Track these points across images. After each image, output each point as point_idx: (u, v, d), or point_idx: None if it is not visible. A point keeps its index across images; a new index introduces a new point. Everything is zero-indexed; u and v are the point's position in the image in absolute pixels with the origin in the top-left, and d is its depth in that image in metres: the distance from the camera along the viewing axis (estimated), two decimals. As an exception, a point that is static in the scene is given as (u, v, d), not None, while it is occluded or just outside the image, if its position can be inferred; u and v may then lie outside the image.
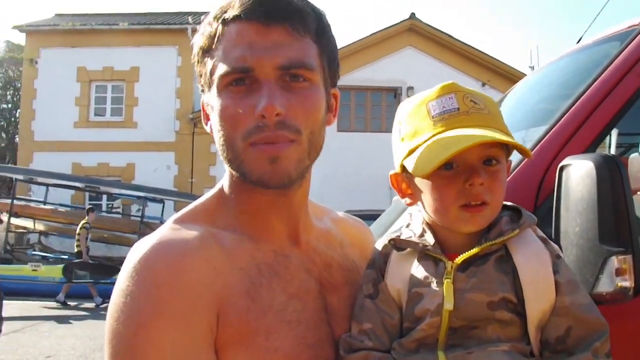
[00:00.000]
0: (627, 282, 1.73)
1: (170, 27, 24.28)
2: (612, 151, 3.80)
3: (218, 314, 1.15)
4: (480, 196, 1.24)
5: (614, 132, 3.68)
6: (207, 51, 1.24)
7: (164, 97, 23.70)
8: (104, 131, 23.65)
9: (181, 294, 1.12)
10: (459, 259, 1.25)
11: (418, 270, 1.29)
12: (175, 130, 23.80)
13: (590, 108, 2.20)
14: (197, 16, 24.19)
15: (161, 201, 20.59)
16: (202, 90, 1.29)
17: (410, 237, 1.33)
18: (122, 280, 1.15)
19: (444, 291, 1.22)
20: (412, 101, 1.35)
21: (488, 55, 23.74)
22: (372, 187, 20.57)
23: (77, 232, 16.22)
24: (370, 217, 4.87)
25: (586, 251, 1.74)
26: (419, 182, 1.29)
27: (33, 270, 16.50)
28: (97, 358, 8.67)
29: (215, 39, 1.21)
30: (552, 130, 2.23)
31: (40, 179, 20.15)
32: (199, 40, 1.26)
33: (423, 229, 1.33)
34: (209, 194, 1.35)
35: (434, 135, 1.25)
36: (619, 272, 1.73)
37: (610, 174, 1.73)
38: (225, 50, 1.20)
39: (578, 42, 3.17)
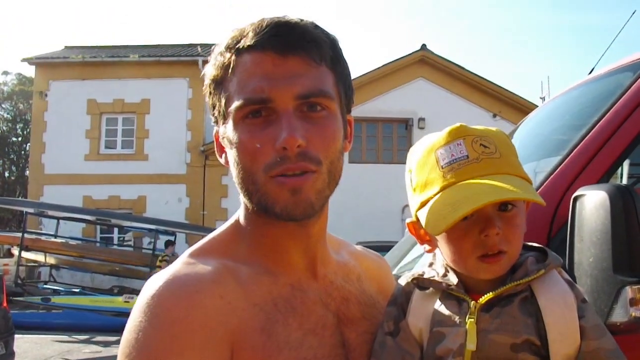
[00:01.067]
0: (641, 313, 1.72)
1: (181, 59, 24.48)
2: (624, 181, 3.79)
3: (232, 351, 1.13)
4: (497, 246, 1.22)
5: (626, 163, 3.67)
6: (220, 82, 1.22)
7: (175, 129, 23.82)
8: (114, 164, 23.76)
9: (194, 331, 1.10)
10: (483, 299, 1.23)
11: (441, 309, 1.27)
12: (186, 163, 23.89)
13: (604, 138, 2.21)
14: (208, 48, 24.34)
15: (173, 234, 20.60)
16: (216, 122, 1.27)
17: (434, 276, 1.31)
18: (135, 316, 1.13)
19: (467, 331, 1.20)
20: (421, 147, 1.32)
21: (499, 86, 23.78)
22: (385, 218, 20.56)
23: (157, 264, 16.24)
24: (382, 248, 4.86)
25: (600, 281, 1.73)
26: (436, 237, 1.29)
27: (125, 302, 16.26)
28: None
29: (230, 70, 1.20)
30: (565, 161, 2.23)
31: (50, 212, 20.16)
32: (210, 71, 1.24)
33: (446, 269, 1.31)
34: (224, 226, 1.34)
35: (443, 188, 1.23)
36: (633, 302, 1.72)
37: (624, 204, 1.72)
38: (240, 82, 1.18)
39: (590, 72, 3.18)
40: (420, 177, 1.28)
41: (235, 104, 1.18)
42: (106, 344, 13.07)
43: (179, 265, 1.21)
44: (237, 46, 1.19)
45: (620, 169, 3.52)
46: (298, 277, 1.28)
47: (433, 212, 1.21)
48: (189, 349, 1.09)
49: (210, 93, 1.25)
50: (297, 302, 1.24)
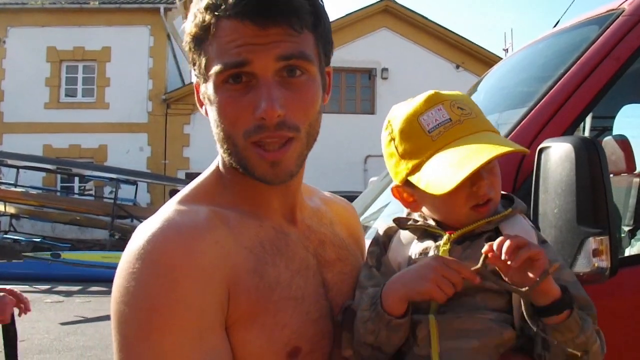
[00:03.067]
0: (603, 263, 1.77)
1: (143, 6, 23.90)
2: (587, 134, 3.85)
3: (229, 293, 1.17)
4: (487, 195, 1.33)
5: (589, 116, 3.73)
6: (199, 41, 1.22)
7: (136, 78, 23.42)
8: (75, 112, 23.32)
9: (194, 276, 1.13)
10: (456, 233, 1.33)
11: (418, 245, 1.38)
12: (147, 111, 23.55)
13: (569, 91, 2.23)
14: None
15: (134, 183, 20.45)
16: (197, 77, 1.28)
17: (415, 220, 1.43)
18: (130, 262, 1.14)
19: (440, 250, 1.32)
20: (399, 116, 1.39)
21: (462, 38, 23.77)
22: (347, 168, 20.64)
23: None
24: (347, 199, 4.89)
25: (564, 232, 1.77)
26: (424, 194, 1.34)
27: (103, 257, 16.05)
28: (71, 342, 8.64)
29: (209, 32, 1.19)
30: (530, 113, 2.25)
31: (10, 161, 19.84)
32: (190, 28, 1.23)
33: (424, 218, 1.43)
34: (205, 174, 1.36)
35: (437, 151, 1.31)
36: (596, 253, 1.76)
37: (589, 156, 1.75)
38: (219, 46, 1.18)
39: (556, 25, 3.20)
40: (407, 144, 1.35)
41: (215, 68, 1.18)
42: (68, 294, 13.06)
43: (171, 212, 1.23)
44: (216, 11, 1.18)
45: (584, 122, 3.57)
46: (279, 221, 1.33)
47: (436, 173, 1.28)
48: (189, 294, 1.12)
49: (190, 49, 1.25)
50: (282, 244, 1.29)
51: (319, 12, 1.25)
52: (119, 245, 17.69)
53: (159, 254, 1.13)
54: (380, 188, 3.37)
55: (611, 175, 2.76)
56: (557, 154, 1.81)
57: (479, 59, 22.96)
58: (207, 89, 1.23)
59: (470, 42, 23.77)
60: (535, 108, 2.25)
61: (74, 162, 21.55)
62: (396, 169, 1.39)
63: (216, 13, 1.18)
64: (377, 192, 3.33)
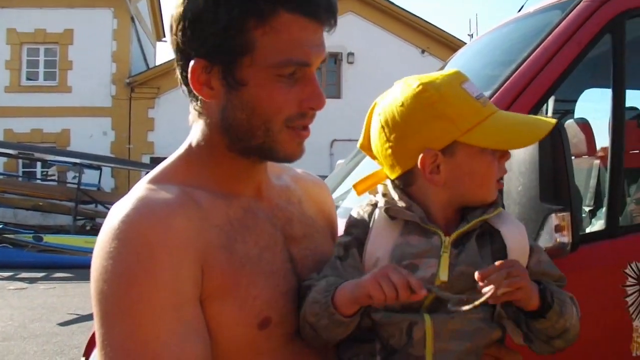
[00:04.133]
0: (565, 238, 1.84)
1: (106, -11, 23.64)
2: (549, 116, 3.93)
3: (202, 268, 1.21)
4: (505, 171, 1.43)
5: (552, 99, 3.81)
6: (245, 21, 1.19)
7: (99, 61, 23.10)
8: (37, 96, 22.95)
9: (169, 252, 1.17)
10: (455, 235, 1.34)
11: (409, 241, 1.35)
12: (111, 95, 23.29)
13: (532, 74, 2.29)
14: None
15: (98, 168, 20.20)
16: (202, 54, 1.24)
17: (402, 207, 1.38)
18: (106, 242, 1.17)
19: (440, 264, 1.30)
20: (437, 82, 1.37)
21: (428, 23, 23.88)
22: (314, 152, 20.39)
23: None
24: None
25: (528, 209, 1.84)
26: (464, 161, 1.35)
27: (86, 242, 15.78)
28: (36, 328, 8.56)
29: (266, 20, 1.19)
30: (495, 95, 2.31)
31: (-30, 146, 19.49)
32: (240, 4, 1.20)
33: (409, 202, 1.38)
34: (174, 155, 1.38)
35: (489, 115, 1.35)
36: (558, 229, 1.83)
37: (552, 136, 1.80)
38: (280, 39, 1.20)
39: (520, 10, 3.26)
40: (457, 107, 1.33)
41: (276, 61, 1.21)
42: (31, 280, 12.90)
43: (143, 191, 1.26)
44: (278, 3, 1.20)
45: (546, 105, 3.65)
46: (247, 200, 1.37)
47: (504, 131, 1.34)
48: (166, 269, 1.16)
49: (208, 21, 1.21)
50: (250, 222, 1.33)
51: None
52: (83, 231, 17.55)
53: (134, 231, 1.17)
54: (347, 171, 3.41)
55: (573, 158, 2.84)
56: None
57: (444, 44, 23.09)
58: (246, 74, 1.22)
59: (436, 27, 23.90)
60: (499, 91, 2.31)
61: (36, 146, 21.17)
62: (439, 132, 1.33)
63: (278, 3, 1.19)
64: (344, 174, 3.37)
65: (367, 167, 3.35)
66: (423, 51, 23.37)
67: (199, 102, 1.31)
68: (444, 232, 1.34)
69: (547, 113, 3.90)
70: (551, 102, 3.87)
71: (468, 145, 1.33)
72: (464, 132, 1.32)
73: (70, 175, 21.33)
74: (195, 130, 1.36)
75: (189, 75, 1.26)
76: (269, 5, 1.19)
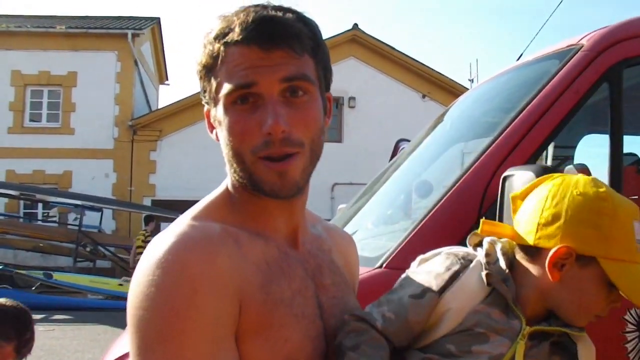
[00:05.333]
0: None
1: (110, 32, 23.88)
2: (549, 163, 3.96)
3: (240, 305, 1.23)
4: (604, 314, 1.39)
5: (551, 145, 3.84)
6: (210, 69, 1.31)
7: (102, 104, 23.26)
8: (39, 137, 23.06)
9: (213, 286, 1.19)
10: (535, 327, 1.34)
11: (490, 311, 1.35)
12: (114, 138, 23.39)
13: (532, 122, 2.33)
14: (137, 21, 23.61)
15: (99, 210, 20.24)
16: (207, 103, 1.37)
17: (497, 279, 1.37)
18: (149, 270, 1.19)
19: (515, 349, 1.31)
20: (622, 204, 1.35)
21: (428, 68, 24.08)
22: (314, 195, 20.26)
23: (141, 244, 15.42)
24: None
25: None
26: (586, 278, 1.33)
27: (119, 285, 15.80)
28: None
29: (219, 60, 1.29)
30: (495, 142, 2.34)
31: (-28, 187, 19.52)
32: (201, 58, 1.33)
33: (507, 275, 1.38)
34: (214, 194, 1.42)
35: (635, 263, 1.32)
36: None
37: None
38: (228, 70, 1.27)
39: (519, 58, 3.31)
40: (619, 232, 1.31)
41: (224, 90, 1.27)
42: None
43: (185, 227, 1.29)
44: (224, 39, 1.28)
45: (546, 151, 3.68)
46: (282, 243, 1.39)
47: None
48: (208, 303, 1.18)
49: (201, 78, 1.34)
50: (284, 264, 1.35)
51: (318, 39, 1.35)
52: (83, 273, 17.49)
53: (180, 264, 1.19)
54: (349, 215, 3.43)
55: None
56: (520, 182, 1.89)
57: (445, 89, 23.27)
58: (217, 112, 1.32)
59: (436, 72, 24.09)
60: (500, 138, 2.35)
61: (38, 188, 21.23)
62: (591, 241, 1.32)
63: (224, 41, 1.27)
64: (345, 219, 3.38)
65: (369, 212, 3.38)
66: (424, 96, 23.53)
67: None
68: (526, 320, 1.34)
69: (547, 159, 3.94)
70: (551, 147, 3.91)
71: (602, 269, 1.30)
72: (608, 258, 1.30)
73: (71, 216, 21.34)
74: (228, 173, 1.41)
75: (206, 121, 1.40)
76: (220, 44, 1.28)
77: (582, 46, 2.50)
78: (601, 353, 2.18)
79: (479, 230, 1.46)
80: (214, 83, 1.31)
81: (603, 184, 1.37)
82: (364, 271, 2.21)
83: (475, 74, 22.97)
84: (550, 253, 1.32)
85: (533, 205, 1.39)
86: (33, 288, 15.79)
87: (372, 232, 3.13)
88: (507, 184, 1.96)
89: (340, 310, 1.44)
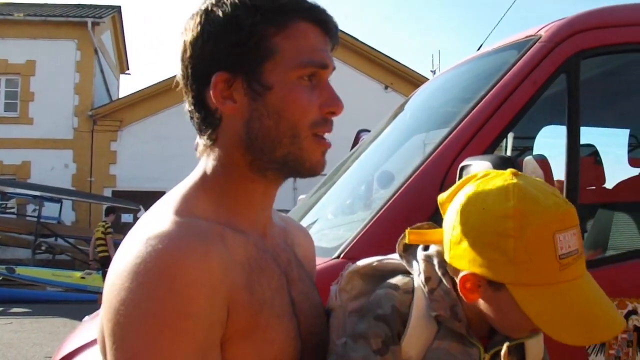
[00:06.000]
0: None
1: (69, 20, 23.49)
2: (508, 154, 3.99)
3: (228, 309, 1.17)
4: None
5: (510, 136, 3.87)
6: (262, 32, 1.25)
7: (61, 93, 22.93)
8: (-3, 127, 22.69)
9: (206, 292, 1.12)
10: (492, 352, 1.28)
11: (447, 347, 1.27)
12: (73, 128, 23.07)
13: (490, 112, 2.33)
14: (98, 10, 23.28)
15: (59, 201, 19.96)
16: (223, 66, 1.25)
17: (448, 316, 1.27)
18: (135, 276, 1.10)
19: None
20: (537, 220, 1.16)
21: (391, 59, 24.17)
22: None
23: (100, 236, 15.06)
24: (275, 216, 4.92)
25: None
26: (504, 302, 1.19)
27: (82, 278, 15.60)
28: None
29: (284, 25, 1.27)
30: (453, 133, 2.34)
31: None
32: (263, 4, 1.26)
33: (453, 306, 1.27)
34: (189, 184, 1.33)
35: (557, 283, 1.16)
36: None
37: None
38: (298, 44, 1.27)
39: (479, 49, 3.32)
40: (531, 257, 1.15)
41: (298, 62, 1.26)
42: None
43: (170, 224, 1.19)
44: (295, 12, 1.28)
45: (504, 142, 3.71)
46: (257, 237, 1.33)
47: (558, 316, 1.15)
48: (201, 312, 1.10)
49: (228, 34, 1.24)
50: (263, 262, 1.29)
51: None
52: (42, 265, 17.25)
53: (171, 270, 1.10)
54: (309, 205, 3.42)
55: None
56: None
57: (408, 80, 23.37)
58: (271, 79, 1.25)
59: (399, 63, 24.21)
60: (458, 128, 2.35)
61: (-6, 178, 20.88)
62: (492, 266, 1.17)
63: (295, 13, 1.28)
64: (305, 209, 3.37)
65: (329, 202, 3.37)
66: (386, 87, 23.62)
67: (215, 129, 1.29)
68: (482, 346, 1.27)
69: (506, 150, 3.96)
70: (510, 138, 3.93)
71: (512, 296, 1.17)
72: (517, 284, 1.16)
73: (30, 208, 21.04)
74: (209, 160, 1.32)
75: (212, 92, 1.25)
76: (287, 13, 1.27)
77: (540, 37, 2.51)
78: (558, 342, 2.21)
79: (406, 240, 1.37)
80: (271, 45, 1.25)
81: (516, 191, 1.18)
82: (321, 261, 2.20)
83: (438, 65, 23.15)
84: (458, 278, 1.23)
85: (448, 218, 1.28)
86: None
87: (331, 222, 3.12)
88: (464, 174, 1.96)
89: (308, 306, 1.39)
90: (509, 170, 1.24)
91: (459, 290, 1.23)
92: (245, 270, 1.23)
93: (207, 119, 1.29)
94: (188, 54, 1.28)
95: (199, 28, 1.26)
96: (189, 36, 1.28)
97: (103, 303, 1.15)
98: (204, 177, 1.32)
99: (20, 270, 15.67)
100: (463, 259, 1.21)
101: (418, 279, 1.31)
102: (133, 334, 1.08)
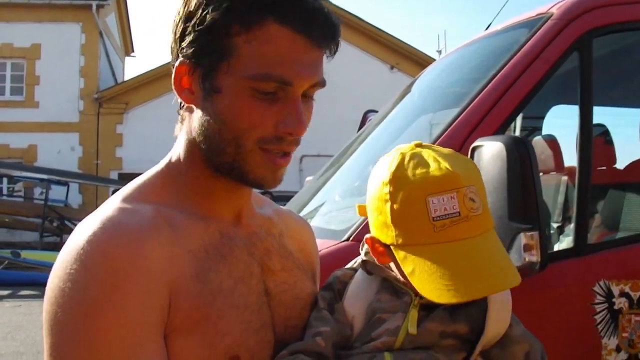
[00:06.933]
0: (534, 257, 1.83)
1: (74, 3, 23.34)
2: (518, 134, 3.95)
3: (170, 299, 1.12)
4: None
5: (520, 116, 3.83)
6: (225, 28, 1.14)
7: (67, 76, 22.88)
8: (3, 111, 22.59)
9: (137, 281, 1.08)
10: (425, 300, 1.24)
11: (381, 298, 1.31)
12: (79, 111, 23.05)
13: (501, 91, 2.30)
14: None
15: (65, 184, 19.98)
16: (192, 58, 1.18)
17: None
18: (68, 263, 1.08)
19: (409, 318, 1.25)
20: (407, 183, 1.22)
21: (396, 39, 24.05)
22: (282, 168, 20.50)
23: None
24: (281, 198, 4.91)
25: (496, 228, 1.81)
26: (400, 263, 1.22)
27: None
28: (1, 347, 8.42)
29: (250, 27, 1.14)
30: (463, 113, 2.31)
31: None
32: (215, 12, 1.14)
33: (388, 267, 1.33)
34: (151, 172, 1.30)
35: (436, 243, 1.19)
36: (526, 248, 1.82)
37: (519, 154, 1.81)
38: (262, 50, 1.13)
39: (487, 28, 3.27)
40: (405, 219, 1.21)
41: (252, 71, 1.14)
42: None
43: (114, 210, 1.16)
44: (268, 11, 1.13)
45: (514, 122, 3.67)
46: (225, 224, 1.28)
47: (426, 271, 1.18)
48: (132, 302, 1.07)
49: (196, 22, 1.16)
50: (225, 249, 1.24)
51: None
52: (49, 248, 17.31)
53: (100, 256, 1.07)
54: (317, 187, 3.40)
55: (540, 174, 2.85)
56: (489, 153, 1.86)
57: (413, 60, 23.27)
58: (222, 81, 1.16)
59: (405, 43, 24.08)
60: (468, 108, 2.31)
61: (1, 162, 20.86)
62: (380, 229, 1.26)
63: (267, 12, 1.13)
64: (313, 192, 3.35)
65: (337, 184, 3.34)
66: (392, 67, 23.52)
67: (183, 107, 1.26)
68: (415, 294, 1.27)
69: (515, 130, 3.92)
70: (519, 119, 3.90)
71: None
72: (396, 243, 1.22)
73: (37, 191, 21.08)
74: (177, 143, 1.29)
75: (172, 76, 1.21)
76: (256, 12, 1.13)
77: (552, 15, 2.47)
78: (570, 325, 2.20)
79: (358, 213, 1.40)
80: (230, 45, 1.14)
81: (403, 159, 1.25)
82: (330, 244, 2.18)
83: (444, 45, 23.02)
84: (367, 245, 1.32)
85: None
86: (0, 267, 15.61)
87: (339, 204, 3.09)
88: (475, 154, 1.93)
89: (292, 297, 1.34)
90: (414, 142, 1.30)
91: (371, 254, 1.32)
92: (199, 257, 1.19)
93: (181, 103, 1.26)
94: (171, 34, 1.23)
95: (180, 11, 1.20)
96: (175, 16, 1.22)
97: (46, 291, 1.13)
98: (169, 164, 1.30)
99: (26, 255, 15.71)
100: (369, 217, 1.31)
101: (362, 253, 1.39)
102: (60, 323, 1.06)
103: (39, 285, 14.12)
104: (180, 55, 1.20)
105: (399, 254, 1.21)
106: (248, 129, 1.16)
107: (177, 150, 1.29)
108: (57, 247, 18.10)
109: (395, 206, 1.21)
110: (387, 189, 1.23)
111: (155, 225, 1.16)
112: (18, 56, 23.10)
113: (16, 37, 22.80)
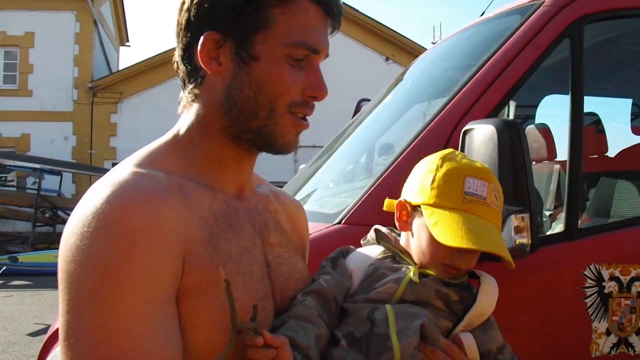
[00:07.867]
0: (524, 239, 1.85)
1: (68, -8, 23.35)
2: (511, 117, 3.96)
3: (183, 262, 1.16)
4: (459, 267, 1.48)
5: (512, 105, 3.85)
6: (261, 3, 1.25)
7: (61, 65, 22.82)
8: (-4, 99, 22.60)
9: (154, 240, 1.11)
10: (422, 270, 1.49)
11: (384, 262, 1.54)
12: (73, 100, 22.99)
13: (493, 76, 2.31)
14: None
15: (59, 173, 19.94)
16: (221, 29, 1.26)
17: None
18: (86, 222, 1.11)
19: (411, 272, 1.47)
20: (454, 164, 1.51)
21: (392, 30, 24.04)
22: (277, 158, 20.31)
23: None
24: (277, 187, 4.91)
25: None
26: (420, 227, 1.51)
27: (55, 257, 15.49)
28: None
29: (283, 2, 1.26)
30: (456, 97, 2.32)
31: None
32: None
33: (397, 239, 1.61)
34: (160, 141, 1.35)
35: (459, 210, 1.45)
36: (517, 230, 1.84)
37: (510, 137, 1.83)
38: (296, 22, 1.26)
39: (482, 15, 3.28)
40: (444, 187, 1.48)
41: (287, 41, 1.26)
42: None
43: (129, 174, 1.20)
44: None
45: (505, 110, 3.68)
46: (230, 197, 1.34)
47: (448, 225, 1.43)
48: (147, 261, 1.10)
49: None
50: (232, 219, 1.30)
51: None
52: (43, 238, 17.28)
53: (118, 215, 1.10)
54: (309, 174, 3.41)
55: (533, 163, 2.86)
56: (481, 135, 1.87)
57: (409, 52, 23.22)
58: (260, 50, 1.26)
59: (400, 34, 24.07)
60: (460, 93, 2.32)
61: (-6, 151, 20.83)
62: (420, 192, 1.52)
63: None
64: (306, 178, 3.36)
65: (329, 170, 3.35)
66: (387, 59, 23.51)
67: (197, 85, 1.31)
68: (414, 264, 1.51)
69: (509, 115, 3.94)
70: (512, 107, 3.91)
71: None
72: (429, 203, 1.48)
73: (30, 180, 21.02)
74: (187, 117, 1.34)
75: (199, 49, 1.26)
76: None
77: (544, 1, 2.48)
78: (561, 308, 2.21)
79: (384, 208, 1.67)
80: (268, 16, 1.26)
81: (450, 153, 1.55)
82: (322, 227, 2.19)
83: (439, 37, 22.98)
84: (396, 208, 1.59)
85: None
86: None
87: (331, 190, 3.11)
88: (467, 137, 1.95)
89: (287, 270, 1.41)
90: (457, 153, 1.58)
91: (396, 220, 1.59)
92: (209, 224, 1.24)
93: (191, 74, 1.31)
94: (186, 5, 1.28)
95: None
96: None
97: (60, 250, 1.15)
98: (176, 135, 1.35)
99: (23, 258, 15.59)
100: (405, 191, 1.59)
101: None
102: (78, 280, 1.09)
103: (31, 275, 14.11)
104: (205, 27, 1.26)
105: (428, 210, 1.48)
106: (282, 93, 1.28)
107: (187, 122, 1.34)
108: (49, 237, 18.09)
109: (438, 175, 1.49)
110: (435, 164, 1.52)
111: (169, 190, 1.21)
112: (11, 44, 23.04)
113: (10, 25, 22.72)
